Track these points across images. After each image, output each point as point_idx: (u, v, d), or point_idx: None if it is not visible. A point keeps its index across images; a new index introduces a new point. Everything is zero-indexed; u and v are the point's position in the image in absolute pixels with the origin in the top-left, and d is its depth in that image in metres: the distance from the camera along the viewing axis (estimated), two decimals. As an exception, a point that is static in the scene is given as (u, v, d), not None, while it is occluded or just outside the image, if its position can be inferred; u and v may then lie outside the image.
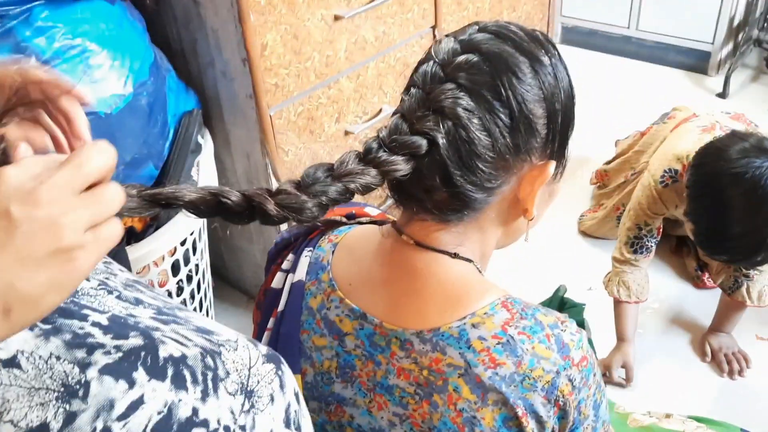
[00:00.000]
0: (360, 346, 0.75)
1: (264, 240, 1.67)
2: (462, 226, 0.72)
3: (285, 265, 0.84)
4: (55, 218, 0.41)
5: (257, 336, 0.84)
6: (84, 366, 0.49)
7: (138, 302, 0.60)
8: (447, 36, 0.71)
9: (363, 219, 0.87)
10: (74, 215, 0.43)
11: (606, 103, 2.62)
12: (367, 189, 0.64)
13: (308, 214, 0.60)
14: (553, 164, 0.71)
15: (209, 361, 0.55)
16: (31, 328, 0.49)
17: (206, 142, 1.49)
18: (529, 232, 0.78)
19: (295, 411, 0.60)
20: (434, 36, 1.84)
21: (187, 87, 1.48)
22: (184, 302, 1.45)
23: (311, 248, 0.83)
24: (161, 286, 1.36)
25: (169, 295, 1.40)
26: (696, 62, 2.78)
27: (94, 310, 0.54)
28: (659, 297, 1.80)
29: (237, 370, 0.56)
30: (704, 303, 1.74)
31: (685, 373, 1.60)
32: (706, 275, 1.79)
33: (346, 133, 1.67)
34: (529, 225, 0.77)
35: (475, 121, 0.65)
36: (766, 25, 2.66)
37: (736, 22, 2.69)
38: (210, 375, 0.54)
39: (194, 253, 1.45)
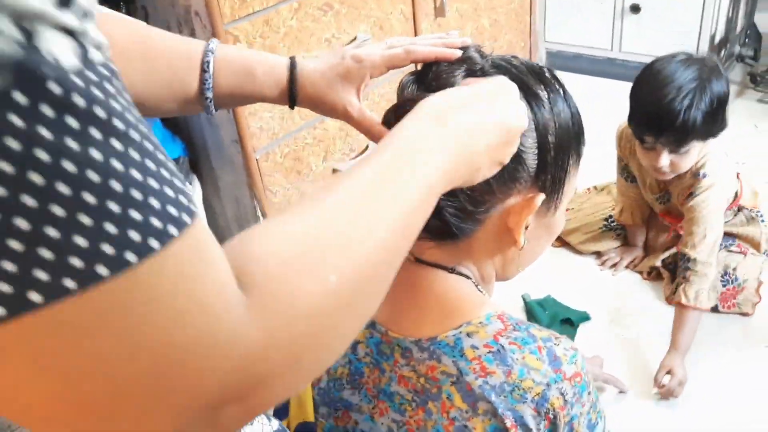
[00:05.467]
0: (369, 353, 0.77)
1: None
2: (456, 248, 0.73)
3: None
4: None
5: None
6: None
7: None
8: (452, 64, 0.71)
9: None
10: None
11: (595, 125, 2.63)
12: None
13: None
14: (541, 196, 0.70)
15: None
16: None
17: (194, 188, 1.50)
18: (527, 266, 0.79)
19: None
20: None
21: (173, 135, 1.50)
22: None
23: None
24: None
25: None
26: (681, 80, 2.81)
27: None
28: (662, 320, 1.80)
29: None
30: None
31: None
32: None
33: (334, 171, 1.69)
34: (526, 258, 0.78)
35: None
36: (746, 41, 2.70)
37: (717, 39, 2.73)
38: None
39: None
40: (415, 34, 1.83)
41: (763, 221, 1.84)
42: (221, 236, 1.77)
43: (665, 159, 1.55)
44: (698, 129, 1.48)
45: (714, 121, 1.51)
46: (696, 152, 1.57)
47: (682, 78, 1.49)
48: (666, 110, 1.48)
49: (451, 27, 1.98)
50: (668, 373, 1.54)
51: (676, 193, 1.72)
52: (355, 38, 1.62)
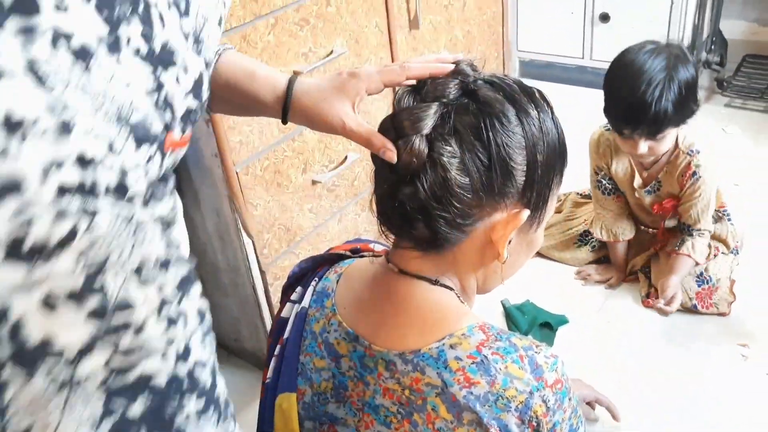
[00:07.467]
0: (353, 367, 0.78)
1: (239, 293, 1.68)
2: (441, 258, 0.75)
3: (294, 296, 0.90)
4: None
5: (267, 361, 0.88)
6: None
7: None
8: (446, 78, 0.76)
9: (366, 254, 0.91)
10: None
11: (568, 133, 2.68)
12: None
13: None
14: (526, 212, 0.73)
15: None
16: None
17: (176, 201, 1.51)
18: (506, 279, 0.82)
19: None
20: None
21: (153, 150, 1.51)
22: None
23: (317, 279, 0.88)
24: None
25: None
26: (650, 87, 2.87)
27: None
28: (623, 318, 1.84)
29: None
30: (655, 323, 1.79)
31: (648, 391, 1.63)
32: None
33: (314, 182, 1.70)
34: (506, 272, 0.80)
35: (456, 162, 0.69)
36: (713, 47, 2.77)
37: (684, 46, 2.79)
38: None
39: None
40: (390, 47, 1.86)
41: (730, 221, 1.91)
42: (202, 249, 1.74)
43: (644, 146, 1.64)
44: (670, 118, 1.58)
45: (685, 107, 1.60)
46: (672, 136, 1.67)
47: (651, 69, 1.58)
48: (639, 104, 1.57)
49: (425, 39, 2.01)
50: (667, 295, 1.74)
51: (671, 176, 1.77)
52: (331, 52, 1.64)
